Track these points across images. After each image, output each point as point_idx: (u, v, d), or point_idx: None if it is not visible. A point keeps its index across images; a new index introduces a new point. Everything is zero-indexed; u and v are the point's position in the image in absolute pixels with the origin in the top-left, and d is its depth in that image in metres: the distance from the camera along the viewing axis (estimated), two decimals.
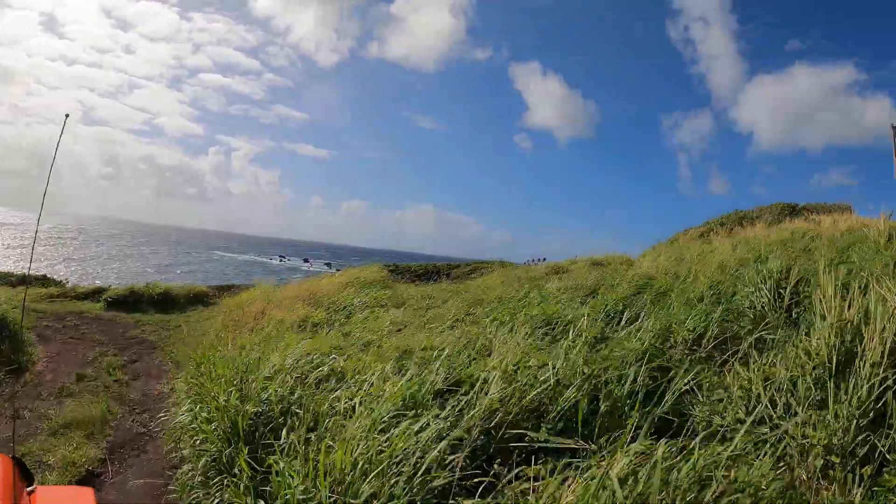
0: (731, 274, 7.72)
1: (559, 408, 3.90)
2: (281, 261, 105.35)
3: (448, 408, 3.90)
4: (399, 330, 8.16)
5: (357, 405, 4.15)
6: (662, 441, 2.86)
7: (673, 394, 3.92)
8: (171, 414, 6.84)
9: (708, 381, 4.21)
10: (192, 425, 5.33)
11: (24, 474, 2.07)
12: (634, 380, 4.13)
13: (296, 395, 4.83)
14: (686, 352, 5.07)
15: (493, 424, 3.72)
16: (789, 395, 3.68)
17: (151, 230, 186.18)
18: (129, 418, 7.56)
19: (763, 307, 5.98)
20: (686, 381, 4.04)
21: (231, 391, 4.89)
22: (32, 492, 2.05)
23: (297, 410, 4.52)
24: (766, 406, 3.56)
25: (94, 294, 19.09)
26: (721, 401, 3.89)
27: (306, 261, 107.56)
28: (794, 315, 5.74)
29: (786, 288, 6.11)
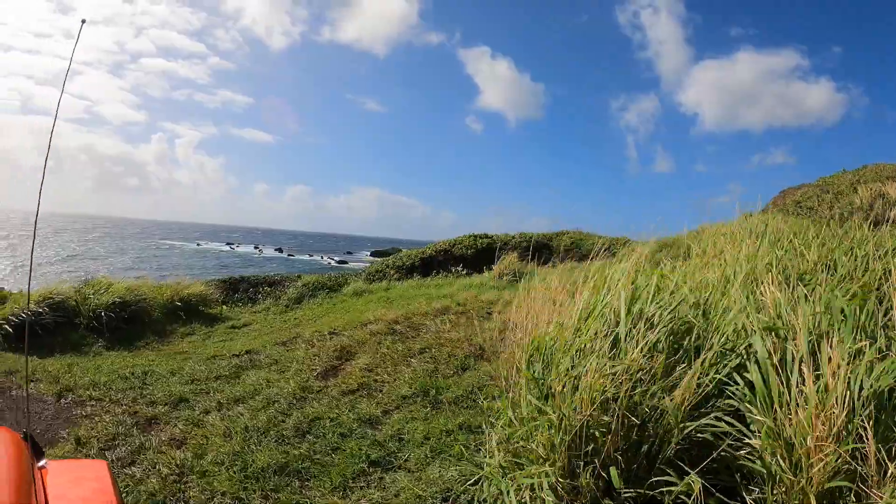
0: None
1: None
2: (230, 248, 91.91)
3: None
4: None
5: None
6: None
7: None
8: None
9: None
10: None
11: (35, 450, 1.94)
12: None
13: None
14: None
15: None
16: None
17: (96, 224, 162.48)
18: None
19: None
20: None
21: None
22: (43, 467, 1.93)
23: None
24: None
25: None
26: None
27: (257, 247, 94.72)
28: None
29: None
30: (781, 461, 2.27)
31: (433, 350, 6.60)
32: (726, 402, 2.74)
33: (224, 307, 10.74)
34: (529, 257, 14.89)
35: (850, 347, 2.39)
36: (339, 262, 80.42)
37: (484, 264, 15.87)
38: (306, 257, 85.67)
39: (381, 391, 5.62)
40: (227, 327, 9.57)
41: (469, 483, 3.52)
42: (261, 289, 12.01)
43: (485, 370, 5.89)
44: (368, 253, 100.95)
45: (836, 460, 2.12)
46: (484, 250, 16.89)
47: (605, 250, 21.39)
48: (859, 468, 2.13)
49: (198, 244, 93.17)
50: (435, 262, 14.85)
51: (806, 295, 3.20)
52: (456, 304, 9.20)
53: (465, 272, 14.81)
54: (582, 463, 2.70)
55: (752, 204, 8.29)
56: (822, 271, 4.26)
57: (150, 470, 4.05)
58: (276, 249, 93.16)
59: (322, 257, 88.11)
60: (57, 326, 8.54)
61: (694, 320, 3.17)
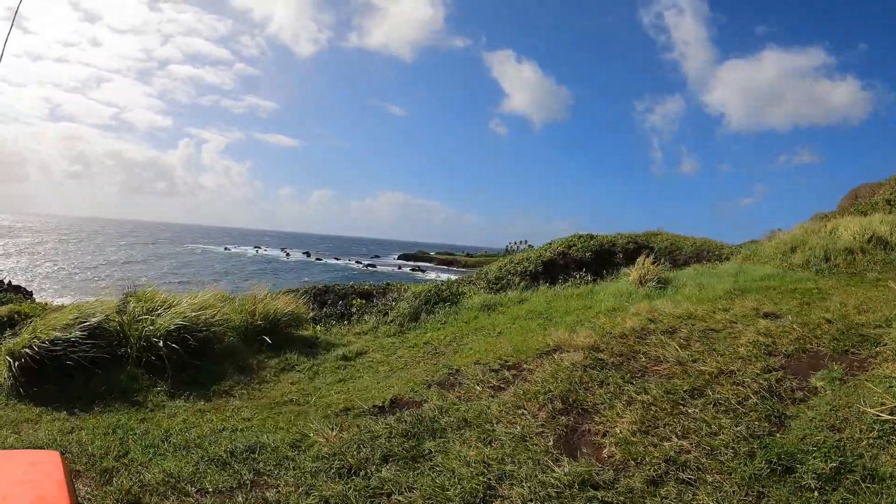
0: None
1: None
2: (257, 251, 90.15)
3: None
4: None
5: None
6: None
7: None
8: None
9: None
10: None
11: None
12: None
13: None
14: None
15: None
16: None
17: (128, 228, 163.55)
18: None
19: None
20: None
21: None
22: None
23: None
24: None
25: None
26: None
27: (284, 251, 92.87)
28: None
29: None
30: None
31: (708, 391, 4.45)
32: None
33: (318, 327, 7.84)
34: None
35: None
36: (368, 265, 78.15)
37: (603, 268, 13.23)
38: (333, 261, 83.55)
39: (702, 470, 3.37)
40: (335, 358, 6.65)
41: None
42: (352, 301, 9.11)
43: (817, 420, 3.75)
44: (396, 256, 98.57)
45: None
46: (599, 252, 14.12)
47: (708, 252, 17.90)
48: None
49: (226, 248, 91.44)
50: (556, 266, 12.00)
51: None
52: (648, 321, 6.66)
53: (589, 277, 12.18)
54: None
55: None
56: None
57: None
58: (303, 253, 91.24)
59: (350, 260, 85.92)
60: (95, 362, 5.71)
61: None
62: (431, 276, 62.83)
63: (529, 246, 73.11)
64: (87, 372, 5.65)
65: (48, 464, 1.85)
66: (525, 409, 4.42)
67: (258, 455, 4.00)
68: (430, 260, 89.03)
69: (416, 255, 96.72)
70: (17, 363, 5.49)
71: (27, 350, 5.58)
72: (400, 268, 75.90)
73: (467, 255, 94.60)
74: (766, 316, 6.55)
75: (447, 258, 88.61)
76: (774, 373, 4.67)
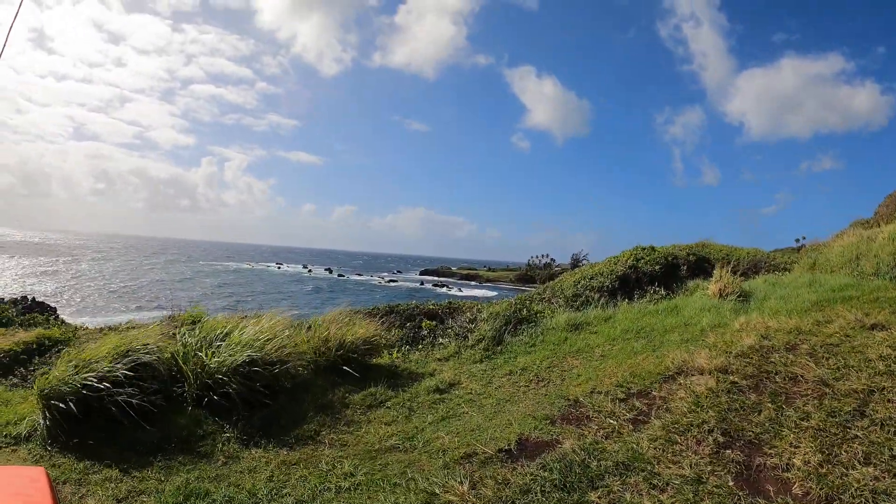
0: None
1: None
2: (279, 267, 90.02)
3: None
4: None
5: None
6: None
7: None
8: None
9: None
10: None
11: None
12: None
13: None
14: None
15: None
16: None
17: (157, 246, 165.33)
18: None
19: None
20: None
21: None
22: None
23: None
24: None
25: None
26: None
27: (306, 267, 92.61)
28: None
29: None
30: None
31: (869, 411, 3.92)
32: None
33: (395, 353, 6.75)
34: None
35: None
36: (390, 281, 77.25)
37: (672, 282, 12.21)
38: (356, 277, 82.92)
39: None
40: (427, 390, 5.55)
41: None
42: (420, 322, 8.04)
43: None
44: (418, 272, 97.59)
45: None
46: (666, 265, 13.17)
47: (764, 262, 16.65)
48: None
49: (251, 265, 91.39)
50: (629, 280, 11.00)
51: None
52: (761, 338, 5.89)
53: (662, 291, 11.23)
54: None
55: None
56: None
57: None
58: (325, 269, 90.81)
59: (372, 276, 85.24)
60: (146, 403, 4.67)
61: None
62: (454, 291, 61.65)
63: (552, 260, 71.45)
64: (136, 415, 4.62)
65: (33, 478, 1.84)
66: (681, 445, 3.80)
67: None
68: (451, 275, 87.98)
69: (437, 270, 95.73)
70: (59, 405, 4.48)
71: (67, 389, 4.57)
72: (422, 283, 74.88)
73: (488, 269, 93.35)
74: (873, 328, 5.82)
75: (469, 273, 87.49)
76: None
